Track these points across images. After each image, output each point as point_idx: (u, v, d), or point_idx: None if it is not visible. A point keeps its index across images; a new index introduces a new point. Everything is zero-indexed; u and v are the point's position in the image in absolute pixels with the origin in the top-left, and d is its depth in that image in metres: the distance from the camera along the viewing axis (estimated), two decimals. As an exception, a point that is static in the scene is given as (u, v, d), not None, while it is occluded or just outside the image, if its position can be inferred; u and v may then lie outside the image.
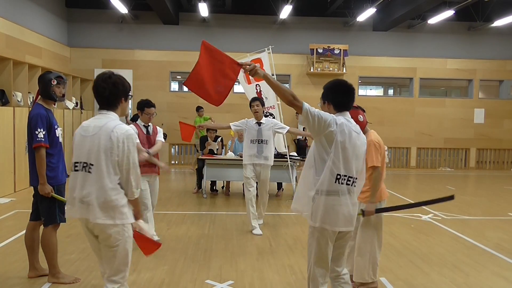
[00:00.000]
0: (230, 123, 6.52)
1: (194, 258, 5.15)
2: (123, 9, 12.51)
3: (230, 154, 9.10)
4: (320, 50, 13.98)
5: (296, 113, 12.92)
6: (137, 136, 5.27)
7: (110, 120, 2.94)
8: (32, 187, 4.24)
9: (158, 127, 5.74)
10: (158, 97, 12.89)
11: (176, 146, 14.56)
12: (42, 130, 4.03)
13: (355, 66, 14.45)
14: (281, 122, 7.98)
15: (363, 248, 4.09)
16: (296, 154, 9.99)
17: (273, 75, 6.41)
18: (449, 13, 12.53)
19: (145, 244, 3.14)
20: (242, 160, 6.47)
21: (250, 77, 8.60)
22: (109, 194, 2.85)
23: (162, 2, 11.77)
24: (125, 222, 2.92)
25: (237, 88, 11.64)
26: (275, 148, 8.06)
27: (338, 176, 3.04)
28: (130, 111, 12.90)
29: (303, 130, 11.81)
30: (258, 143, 6.28)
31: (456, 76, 15.06)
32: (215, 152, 9.40)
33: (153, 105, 5.54)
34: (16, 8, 10.67)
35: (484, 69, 14.94)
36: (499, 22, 13.25)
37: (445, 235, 6.40)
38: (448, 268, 4.99)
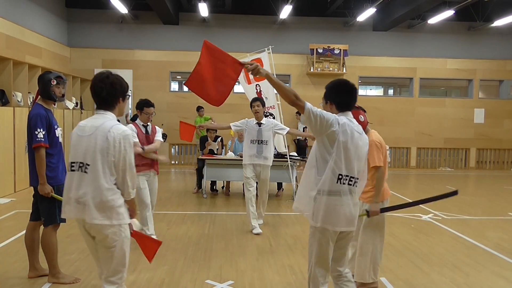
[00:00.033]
0: (230, 123, 6.53)
1: (194, 258, 5.15)
2: (123, 9, 12.51)
3: (230, 154, 9.11)
4: (320, 50, 13.98)
5: (297, 112, 12.94)
6: (136, 136, 5.29)
7: (107, 120, 2.92)
8: (32, 187, 4.23)
9: (157, 127, 5.76)
10: (158, 97, 12.89)
11: (176, 146, 14.55)
12: (41, 130, 4.03)
13: (355, 66, 14.45)
14: (281, 122, 8.00)
15: (364, 248, 4.07)
16: (296, 154, 9.98)
17: (273, 75, 6.39)
18: (449, 13, 12.53)
19: (146, 243, 3.14)
20: (242, 160, 6.47)
21: (250, 77, 8.63)
22: (105, 195, 2.84)
23: (162, 2, 11.76)
24: (122, 223, 2.91)
25: (237, 88, 11.63)
26: (275, 148, 8.07)
27: (340, 176, 3.03)
28: (130, 111, 12.91)
29: (303, 130, 11.83)
30: (258, 143, 6.29)
31: (456, 76, 15.06)
32: (215, 152, 9.40)
33: (152, 105, 5.56)
34: (16, 8, 10.67)
35: (484, 69, 14.93)
36: (499, 22, 13.25)
37: (445, 235, 6.40)
38: (448, 268, 4.99)
